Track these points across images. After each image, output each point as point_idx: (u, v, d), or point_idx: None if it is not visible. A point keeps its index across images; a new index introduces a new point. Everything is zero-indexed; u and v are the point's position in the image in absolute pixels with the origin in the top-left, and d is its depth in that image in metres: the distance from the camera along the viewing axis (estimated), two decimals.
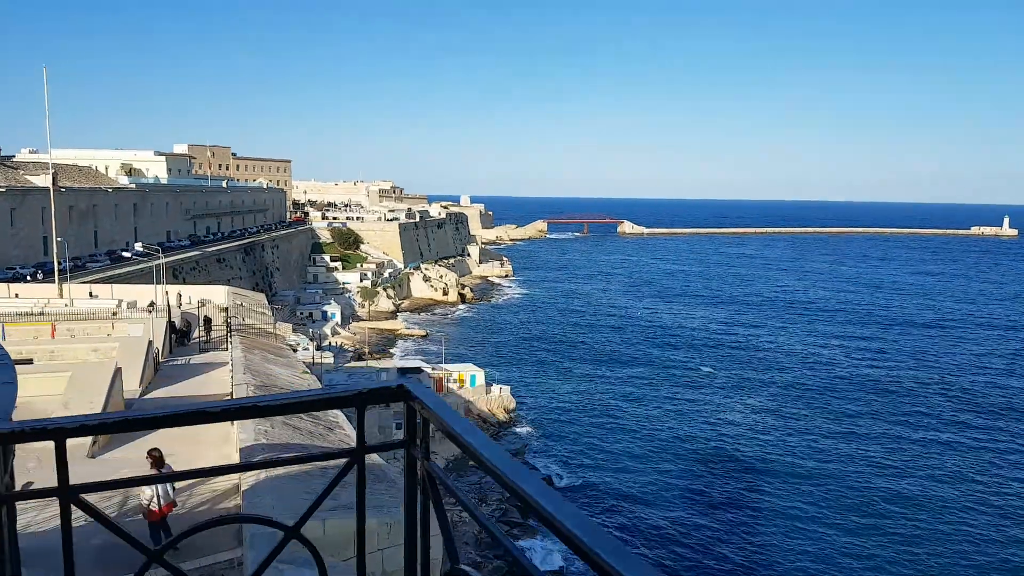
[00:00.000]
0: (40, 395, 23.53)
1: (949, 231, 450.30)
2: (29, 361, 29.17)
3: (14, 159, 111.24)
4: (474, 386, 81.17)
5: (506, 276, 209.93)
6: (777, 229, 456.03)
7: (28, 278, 70.61)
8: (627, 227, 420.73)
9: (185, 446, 20.52)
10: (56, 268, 60.27)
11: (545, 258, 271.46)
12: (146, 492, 13.71)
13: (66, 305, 51.51)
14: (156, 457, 14.15)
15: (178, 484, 17.11)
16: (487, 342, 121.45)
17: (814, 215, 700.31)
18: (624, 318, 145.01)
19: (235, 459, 17.39)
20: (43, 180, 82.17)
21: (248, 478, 13.20)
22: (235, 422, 20.80)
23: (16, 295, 54.58)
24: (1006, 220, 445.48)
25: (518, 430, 78.48)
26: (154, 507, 13.69)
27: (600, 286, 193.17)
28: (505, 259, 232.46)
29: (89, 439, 20.02)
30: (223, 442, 20.35)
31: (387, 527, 11.06)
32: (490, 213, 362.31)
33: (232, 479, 16.15)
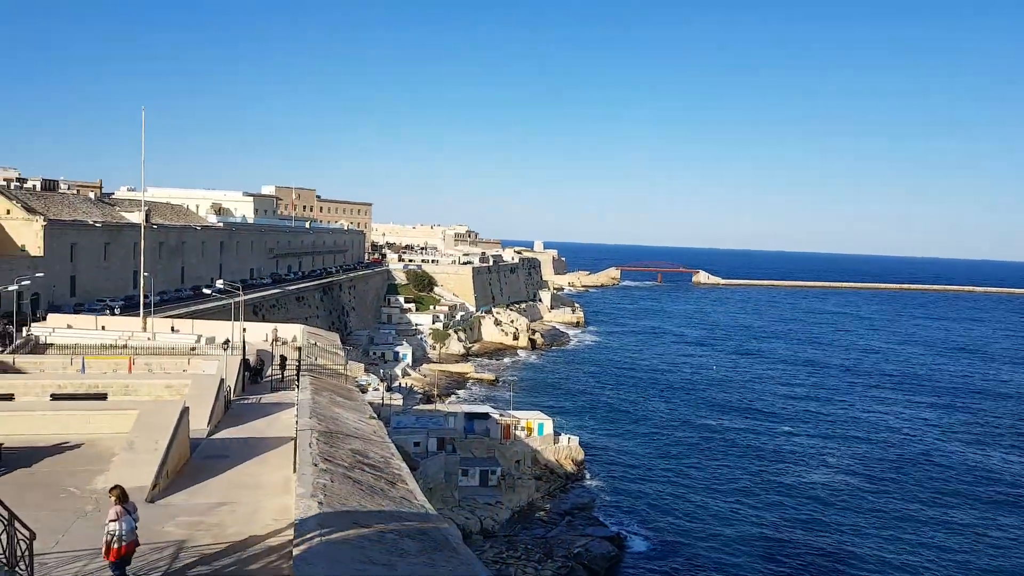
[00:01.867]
0: (109, 433, 23.47)
1: None
2: (103, 396, 29.43)
3: (113, 196, 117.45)
4: (542, 435, 79.30)
5: (578, 323, 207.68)
6: (861, 284, 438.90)
7: (116, 311, 73.23)
8: (702, 277, 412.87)
9: (243, 493, 19.91)
10: (142, 302, 62.21)
11: (618, 306, 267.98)
12: (110, 527, 12.87)
13: (148, 339, 52.82)
14: (118, 495, 13.45)
15: (231, 534, 16.37)
16: (557, 390, 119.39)
17: (900, 271, 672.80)
18: (698, 372, 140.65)
19: (293, 513, 16.54)
20: (137, 217, 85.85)
21: (301, 539, 12.26)
22: (295, 470, 20.06)
23: (103, 327, 56.34)
24: None
25: (586, 483, 75.94)
26: (115, 545, 12.79)
27: (674, 338, 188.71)
28: (577, 305, 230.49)
29: (150, 481, 19.60)
30: (284, 490, 19.60)
31: None
32: (563, 259, 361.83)
33: (287, 535, 15.27)
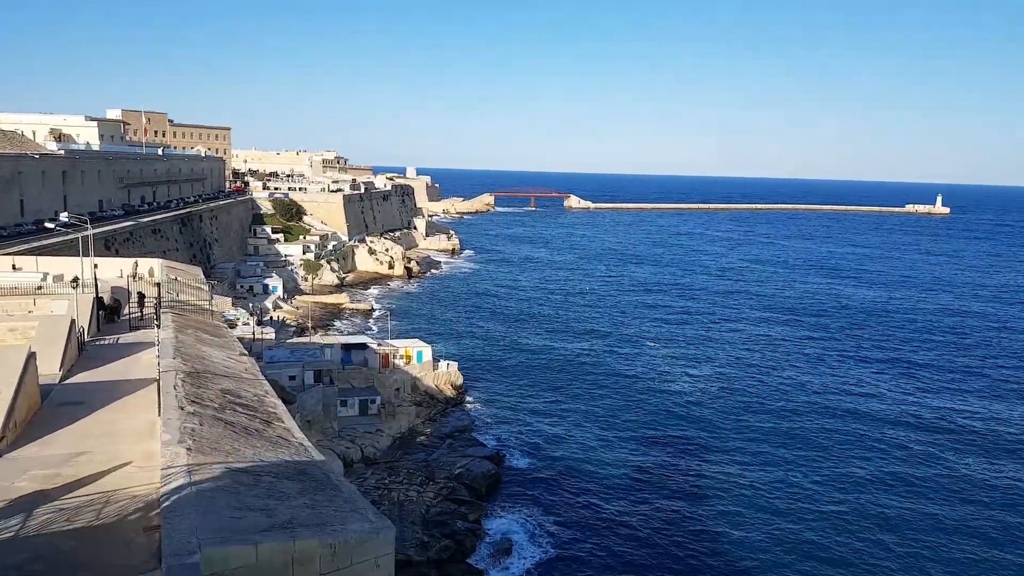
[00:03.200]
0: None
1: (886, 209, 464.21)
2: None
3: None
4: (421, 362, 79.65)
5: (453, 250, 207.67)
6: (718, 205, 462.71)
7: None
8: (574, 201, 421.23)
9: (103, 441, 18.69)
10: None
11: (493, 232, 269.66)
12: None
13: None
14: None
15: (92, 486, 15.36)
16: (434, 317, 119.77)
17: (755, 192, 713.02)
18: (571, 292, 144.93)
19: (158, 458, 15.70)
20: None
21: (169, 489, 11.60)
22: (160, 414, 19.01)
23: None
24: (939, 198, 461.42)
25: (466, 406, 77.44)
26: None
27: (548, 260, 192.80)
28: (452, 232, 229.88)
29: None
30: (148, 437, 18.55)
31: (331, 549, 9.65)
32: (437, 186, 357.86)
33: (154, 483, 14.49)
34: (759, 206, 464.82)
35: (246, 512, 10.31)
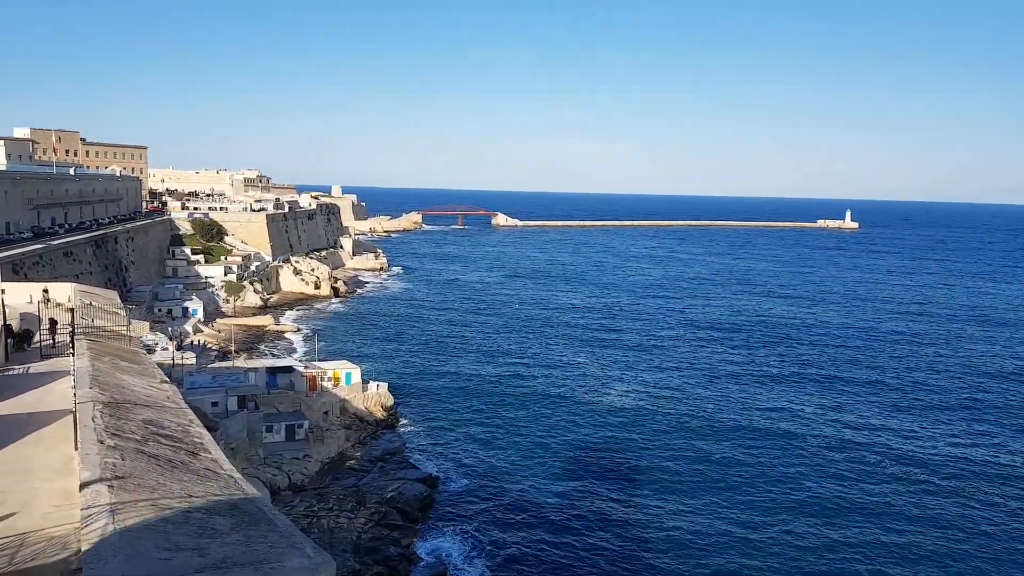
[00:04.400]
0: None
1: (799, 224, 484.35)
2: None
3: None
4: (350, 384, 78.32)
5: (381, 269, 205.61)
6: (640, 223, 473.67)
7: None
8: (501, 219, 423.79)
9: (15, 479, 17.65)
10: None
11: (421, 250, 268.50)
12: None
13: None
14: None
15: (3, 529, 14.49)
16: (362, 338, 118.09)
17: (676, 209, 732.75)
18: (500, 310, 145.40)
19: (76, 496, 14.95)
20: None
21: (91, 530, 11.05)
22: (77, 448, 18.11)
23: None
24: (848, 214, 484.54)
25: (398, 428, 76.46)
26: None
27: (477, 278, 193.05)
28: (380, 251, 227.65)
29: None
30: (65, 473, 17.62)
31: None
32: (363, 204, 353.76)
33: (72, 524, 13.78)
34: (682, 223, 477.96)
35: (176, 552, 9.90)
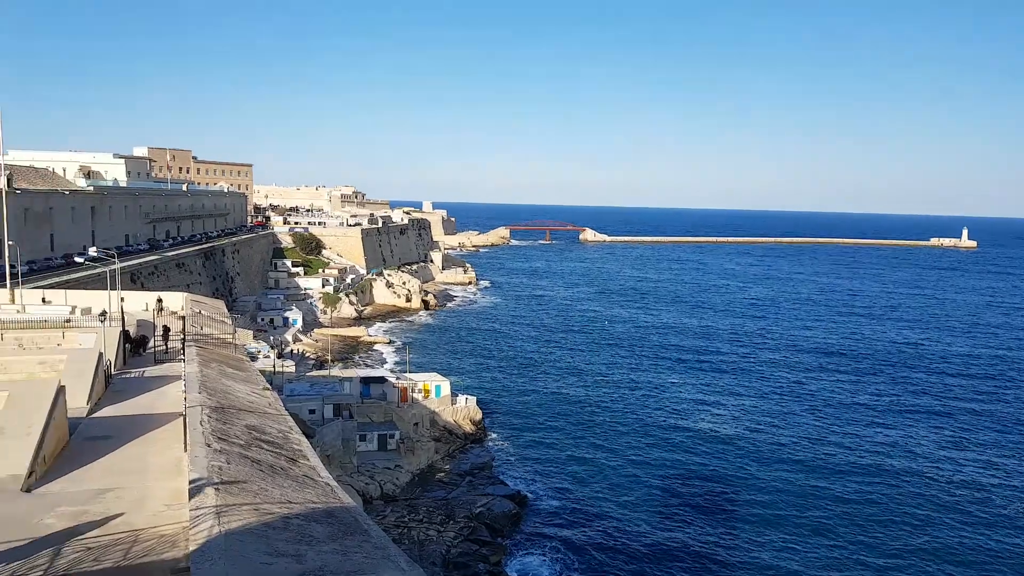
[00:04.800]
0: None
1: (910, 242, 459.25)
2: None
3: None
4: (439, 396, 79.34)
5: (470, 283, 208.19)
6: (736, 239, 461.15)
7: None
8: (589, 234, 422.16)
9: (131, 478, 18.66)
10: (8, 272, 57.13)
11: (509, 265, 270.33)
12: None
13: (17, 312, 48.53)
14: None
15: (119, 525, 15.28)
16: (451, 351, 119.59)
17: (774, 225, 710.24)
18: (589, 328, 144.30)
19: (185, 497, 15.63)
20: None
21: (198, 531, 11.51)
22: (187, 450, 18.98)
23: None
24: (964, 232, 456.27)
25: (486, 443, 76.78)
26: None
27: (565, 294, 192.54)
28: (468, 265, 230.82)
29: (25, 468, 18.03)
30: (175, 474, 18.51)
31: None
32: (452, 219, 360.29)
33: (181, 523, 14.41)
34: (779, 240, 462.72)
35: (276, 558, 10.16)
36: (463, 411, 79.95)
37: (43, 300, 53.46)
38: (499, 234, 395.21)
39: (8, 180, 72.50)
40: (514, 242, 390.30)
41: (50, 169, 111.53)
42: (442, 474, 67.30)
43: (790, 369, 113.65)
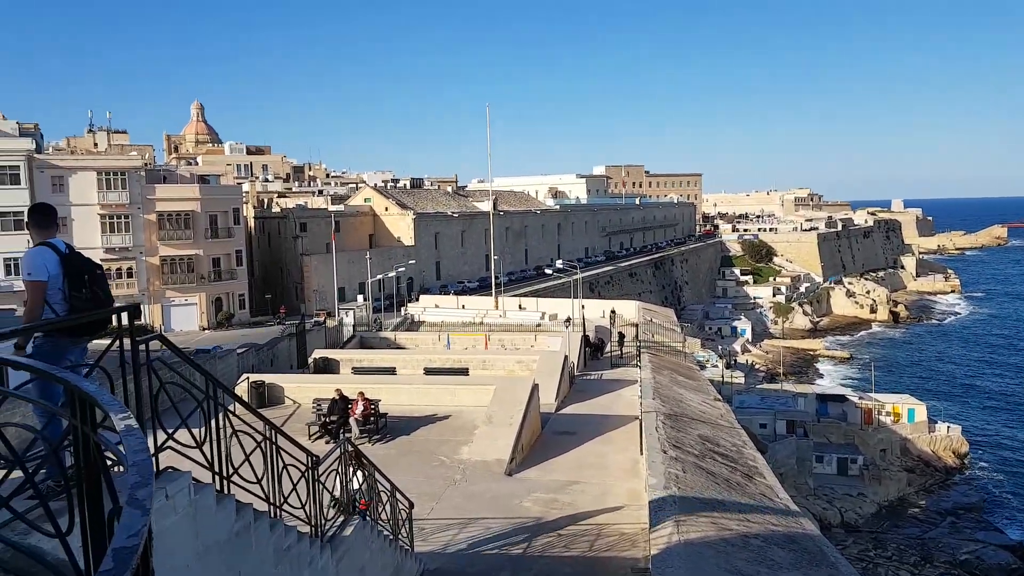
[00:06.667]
0: (470, 405, 25.03)
1: None
2: (465, 371, 31.85)
3: (466, 189, 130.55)
4: (913, 421, 69.59)
5: (952, 292, 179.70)
6: None
7: (472, 292, 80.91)
8: None
9: (593, 473, 19.60)
10: (493, 282, 67.68)
11: (1006, 271, 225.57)
12: (358, 476, 10.22)
13: (500, 316, 57.11)
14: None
15: (583, 516, 15.98)
16: (928, 371, 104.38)
17: None
18: None
19: (642, 498, 15.65)
20: (486, 205, 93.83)
21: (658, 535, 11.17)
22: (642, 453, 19.21)
23: (463, 306, 62.33)
24: None
25: (974, 480, 64.82)
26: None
27: None
28: (950, 272, 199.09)
29: (507, 455, 20.22)
30: (632, 475, 18.86)
31: None
32: (929, 219, 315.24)
33: (638, 524, 14.39)
34: None
35: None
36: (944, 440, 68.83)
37: (519, 307, 61.72)
38: (992, 233, 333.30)
39: (494, 204, 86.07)
40: (1014, 243, 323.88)
41: (525, 192, 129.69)
42: (916, 510, 58.76)
43: None
